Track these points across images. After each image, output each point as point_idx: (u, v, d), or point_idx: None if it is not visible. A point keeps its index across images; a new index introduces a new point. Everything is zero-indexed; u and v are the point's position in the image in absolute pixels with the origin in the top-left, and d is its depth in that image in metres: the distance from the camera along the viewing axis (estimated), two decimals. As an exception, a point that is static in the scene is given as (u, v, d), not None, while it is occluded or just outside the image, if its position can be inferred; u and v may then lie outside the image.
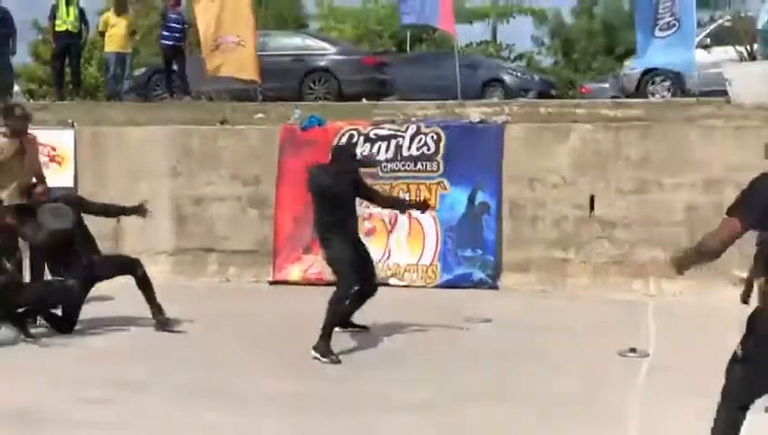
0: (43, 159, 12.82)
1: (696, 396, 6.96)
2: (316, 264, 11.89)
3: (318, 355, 8.08)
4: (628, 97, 17.37)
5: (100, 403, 6.89)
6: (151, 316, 9.37)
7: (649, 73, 17.70)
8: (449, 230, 11.82)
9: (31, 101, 21.92)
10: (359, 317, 9.14)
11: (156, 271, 12.26)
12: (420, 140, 12.06)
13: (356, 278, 8.55)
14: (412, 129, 12.13)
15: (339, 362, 8.06)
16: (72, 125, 13.28)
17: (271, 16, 37.72)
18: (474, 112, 12.59)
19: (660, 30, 13.25)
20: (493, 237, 11.71)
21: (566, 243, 11.59)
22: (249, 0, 15.43)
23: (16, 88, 23.63)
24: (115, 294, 10.36)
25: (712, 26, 18.53)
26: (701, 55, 16.57)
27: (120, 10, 17.76)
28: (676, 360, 8.16)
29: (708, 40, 17.53)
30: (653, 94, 17.35)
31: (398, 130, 12.17)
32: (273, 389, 7.28)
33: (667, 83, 17.57)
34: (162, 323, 9.33)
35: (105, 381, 7.50)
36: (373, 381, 7.55)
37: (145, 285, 9.42)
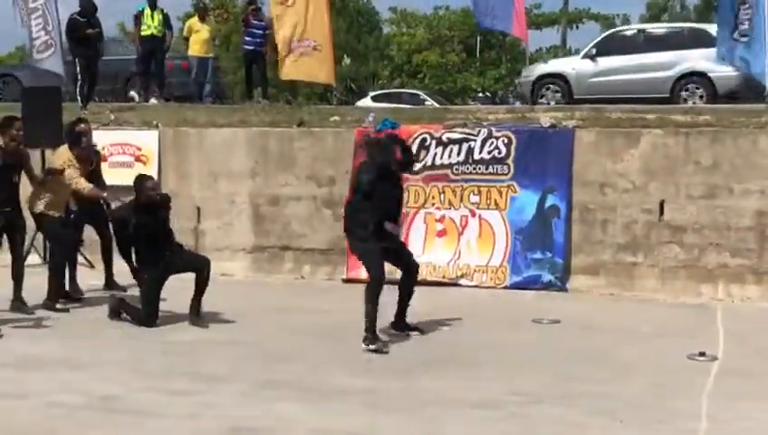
0: (128, 158, 13.14)
1: (765, 399, 6.88)
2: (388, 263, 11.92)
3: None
4: (525, 103, 17.74)
5: (180, 394, 6.98)
6: (189, 310, 9.52)
7: (541, 81, 18.29)
8: (519, 232, 11.75)
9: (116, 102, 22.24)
10: (425, 316, 9.13)
11: (235, 267, 12.53)
12: (491, 143, 12.01)
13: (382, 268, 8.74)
14: (484, 132, 12.08)
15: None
16: (157, 126, 13.46)
17: (344, 21, 37.93)
18: (544, 117, 12.51)
19: (741, 34, 13.07)
20: (562, 240, 11.62)
21: (635, 247, 11.45)
22: (326, 6, 15.50)
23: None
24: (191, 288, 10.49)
25: (599, 37, 19.28)
26: (586, 64, 17.91)
27: (203, 16, 18.01)
28: (744, 364, 8.03)
29: (594, 50, 18.30)
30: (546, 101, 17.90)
31: (470, 134, 12.13)
32: (344, 384, 7.32)
33: (558, 91, 18.07)
34: (194, 321, 9.48)
35: (186, 373, 7.60)
36: (441, 378, 7.53)
37: (203, 285, 9.57)
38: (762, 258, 11.05)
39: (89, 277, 11.15)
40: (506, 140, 11.95)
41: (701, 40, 17.41)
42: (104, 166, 11.74)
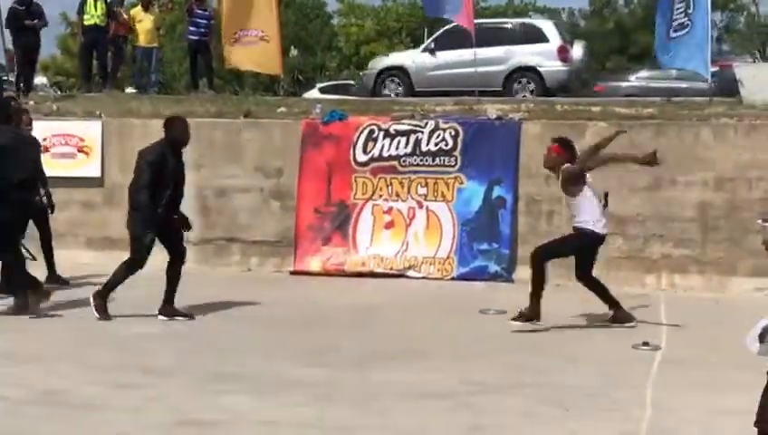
0: (71, 149, 12.97)
1: (707, 388, 7.01)
2: (336, 255, 11.93)
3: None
4: (371, 96, 18.19)
5: (126, 388, 6.92)
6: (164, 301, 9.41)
7: (384, 74, 18.93)
8: (466, 224, 11.83)
9: (59, 92, 21.97)
10: (373, 308, 9.14)
11: (181, 259, 12.38)
12: (439, 135, 12.06)
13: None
14: (431, 124, 12.14)
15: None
16: (100, 116, 13.32)
17: (293, 13, 37.78)
18: (491, 109, 12.58)
19: (674, 30, 13.21)
20: (508, 231, 11.71)
21: (580, 238, 11.55)
22: (275, -2, 15.45)
23: (44, 80, 23.65)
24: (140, 282, 10.40)
25: (437, 32, 19.87)
26: (426, 58, 18.74)
27: (147, 6, 17.83)
28: (687, 353, 8.16)
29: (433, 44, 19.10)
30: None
31: (418, 126, 12.17)
32: (294, 375, 7.31)
33: (397, 83, 18.63)
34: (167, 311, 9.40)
35: (132, 366, 7.53)
36: (391, 369, 7.55)
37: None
38: (704, 249, 11.23)
39: (31, 270, 11.00)
40: (453, 132, 12.01)
41: (532, 36, 18.40)
42: (46, 157, 11.59)
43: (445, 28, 19.20)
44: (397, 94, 18.02)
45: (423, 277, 11.66)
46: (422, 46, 19.88)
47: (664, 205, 11.35)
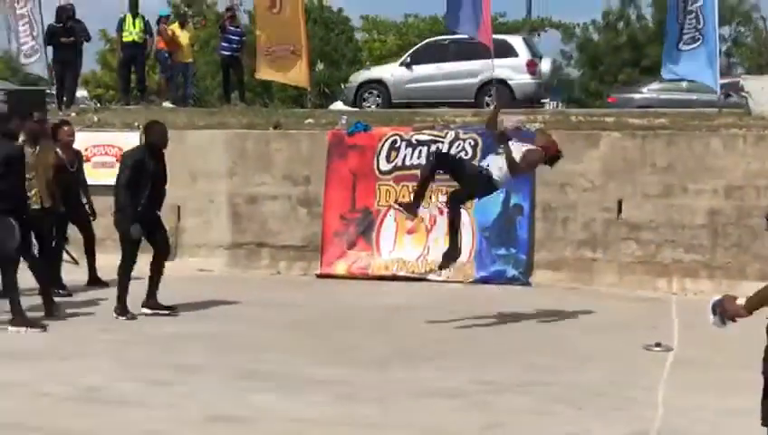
0: (110, 159, 13.02)
1: (717, 388, 6.94)
2: (360, 259, 11.92)
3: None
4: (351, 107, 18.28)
5: (160, 385, 6.94)
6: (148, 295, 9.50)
7: (364, 87, 19.05)
8: (484, 230, 11.78)
9: (98, 105, 22.10)
10: (396, 310, 9.12)
11: (213, 263, 12.49)
12: (459, 145, 12.02)
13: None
14: (451, 134, 12.10)
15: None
16: (137, 128, 13.35)
17: (319, 28, 37.83)
18: (509, 120, 12.52)
19: (685, 43, 13.12)
20: (525, 237, 11.66)
21: (595, 243, 11.52)
22: (302, 12, 15.49)
23: (84, 93, 23.72)
24: (179, 284, 10.43)
25: (415, 47, 20.47)
26: (403, 71, 18.89)
27: (183, 23, 17.94)
28: (698, 354, 8.08)
29: (409, 59, 19.30)
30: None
31: (438, 136, 12.15)
32: (319, 375, 7.29)
33: (376, 95, 18.76)
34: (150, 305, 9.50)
35: (165, 364, 7.55)
36: (412, 369, 7.52)
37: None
38: (714, 254, 11.15)
39: (73, 273, 11.07)
40: (473, 142, 11.97)
41: (502, 51, 18.02)
42: (87, 166, 11.67)
43: (421, 43, 19.45)
44: (377, 105, 18.20)
45: (443, 281, 11.62)
46: (399, 60, 20.07)
47: (675, 212, 11.28)
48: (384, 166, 12.19)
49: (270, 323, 9.19)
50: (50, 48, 15.99)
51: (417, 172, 11.99)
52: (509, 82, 17.77)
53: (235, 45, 17.38)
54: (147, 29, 17.31)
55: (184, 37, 17.56)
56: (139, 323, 9.12)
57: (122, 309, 9.26)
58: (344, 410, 6.41)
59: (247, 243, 12.63)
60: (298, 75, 15.50)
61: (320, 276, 11.97)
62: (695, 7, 12.95)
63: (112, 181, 12.66)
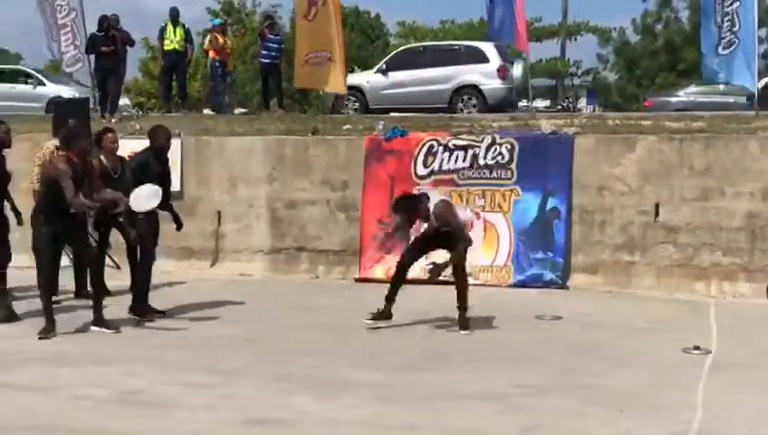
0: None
1: (757, 391, 6.86)
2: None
3: None
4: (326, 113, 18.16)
5: (200, 387, 6.97)
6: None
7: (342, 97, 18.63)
8: (522, 234, 11.73)
9: (140, 113, 22.28)
10: (432, 313, 9.11)
11: (253, 268, 12.56)
12: (495, 149, 11.99)
13: None
14: (488, 139, 12.07)
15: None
16: (179, 135, 13.45)
17: (357, 35, 37.93)
18: (546, 124, 12.48)
19: (723, 48, 12.97)
20: (563, 241, 11.59)
21: (632, 247, 11.43)
22: (339, 19, 15.53)
23: (126, 101, 23.91)
24: (219, 288, 10.51)
25: (390, 55, 20.79)
26: (379, 78, 19.29)
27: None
28: (737, 357, 8.00)
29: (385, 66, 19.68)
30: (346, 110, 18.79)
31: (475, 141, 12.11)
32: (355, 377, 7.29)
33: (354, 101, 18.99)
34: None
35: (205, 367, 7.59)
36: (447, 372, 7.50)
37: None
38: (752, 257, 11.01)
39: (114, 278, 11.15)
40: (510, 147, 11.93)
41: (475, 57, 19.10)
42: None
43: (396, 50, 19.62)
44: (355, 110, 18.46)
45: (481, 284, 11.56)
46: (375, 68, 20.32)
47: (713, 215, 11.16)
48: (421, 171, 12.18)
49: (308, 327, 9.21)
50: (93, 56, 16.18)
51: (454, 177, 12.02)
52: (481, 87, 18.34)
53: (273, 53, 17.46)
54: (188, 37, 17.46)
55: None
56: (180, 328, 9.17)
57: (146, 311, 9.49)
58: (380, 413, 6.40)
59: (287, 248, 12.67)
60: (335, 82, 15.53)
61: (358, 280, 11.98)
62: (731, 9, 12.81)
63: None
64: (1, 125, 9.77)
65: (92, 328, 8.88)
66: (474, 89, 18.47)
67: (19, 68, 26.56)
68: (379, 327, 9.02)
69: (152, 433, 5.96)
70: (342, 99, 18.30)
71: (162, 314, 9.63)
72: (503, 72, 18.74)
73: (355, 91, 19.04)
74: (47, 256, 8.85)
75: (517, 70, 19.64)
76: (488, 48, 19.30)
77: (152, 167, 9.52)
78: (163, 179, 9.56)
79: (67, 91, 20.28)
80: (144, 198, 9.06)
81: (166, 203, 9.65)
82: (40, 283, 8.88)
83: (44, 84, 21.52)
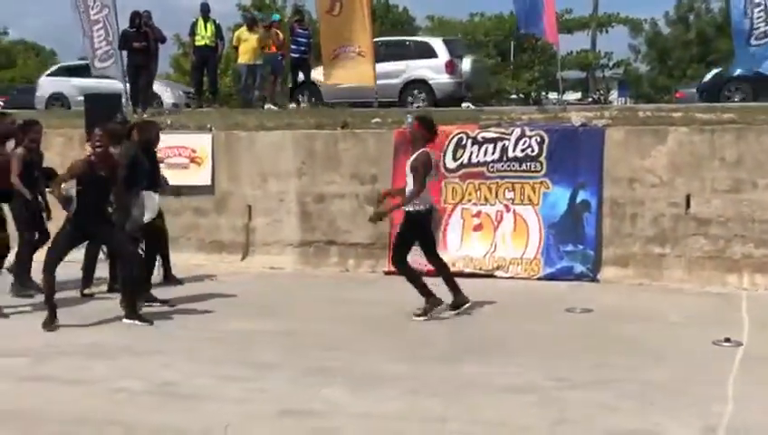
0: (184, 160, 13.21)
1: (790, 385, 6.81)
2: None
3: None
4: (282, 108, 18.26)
5: (233, 380, 7.02)
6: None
7: (298, 89, 19.12)
8: (551, 226, 11.70)
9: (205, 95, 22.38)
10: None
11: (284, 261, 12.62)
12: (525, 142, 11.96)
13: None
14: (517, 132, 12.04)
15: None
16: (210, 129, 13.55)
17: (387, 29, 37.88)
18: (575, 116, 12.43)
19: (756, 39, 12.85)
20: (593, 233, 11.56)
21: (663, 239, 11.37)
22: (369, 14, 15.53)
23: (182, 91, 23.74)
24: (251, 281, 10.56)
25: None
26: None
27: (252, 26, 18.12)
28: (769, 350, 7.94)
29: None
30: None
31: (504, 133, 12.10)
32: (387, 370, 7.32)
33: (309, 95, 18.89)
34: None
35: (237, 360, 7.65)
36: (479, 365, 7.50)
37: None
38: (785, 249, 10.92)
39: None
40: (539, 139, 11.90)
41: (424, 52, 19.57)
42: (161, 167, 11.83)
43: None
44: (311, 105, 18.46)
45: (510, 277, 11.58)
46: None
47: (745, 206, 11.08)
48: (450, 164, 12.18)
49: (339, 320, 9.25)
50: (125, 52, 16.28)
51: (484, 169, 12.01)
52: (429, 81, 18.77)
53: (303, 48, 17.53)
54: (218, 33, 17.54)
55: (252, 40, 17.71)
56: (213, 321, 9.25)
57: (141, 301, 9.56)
58: (413, 405, 6.42)
59: (316, 241, 12.73)
60: (364, 75, 15.55)
61: (387, 273, 11.98)
62: (763, 1, 12.69)
63: (186, 182, 12.98)
64: (36, 125, 9.95)
65: (125, 320, 8.96)
66: (422, 83, 18.93)
67: None
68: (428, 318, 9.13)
69: (186, 425, 6.01)
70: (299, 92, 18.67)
71: (165, 302, 9.80)
72: (450, 68, 19.16)
73: (311, 85, 19.29)
74: (59, 251, 8.95)
75: (466, 65, 19.97)
76: (437, 43, 19.85)
77: (142, 162, 9.64)
78: (153, 175, 9.80)
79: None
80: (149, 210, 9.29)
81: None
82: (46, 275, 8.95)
83: None
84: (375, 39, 17.63)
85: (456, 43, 22.30)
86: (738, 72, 14.15)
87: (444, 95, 18.59)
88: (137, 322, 8.94)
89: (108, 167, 8.87)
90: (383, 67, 17.24)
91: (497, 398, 6.57)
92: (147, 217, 9.63)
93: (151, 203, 9.70)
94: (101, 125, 9.32)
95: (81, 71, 20.35)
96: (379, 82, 15.73)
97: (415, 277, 9.31)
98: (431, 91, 18.73)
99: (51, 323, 8.75)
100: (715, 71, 19.45)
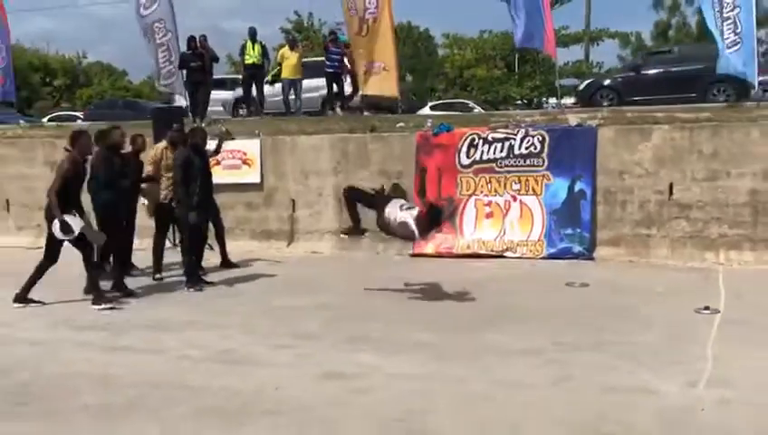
0: (237, 161, 13.24)
1: (760, 345, 6.77)
2: (447, 240, 11.90)
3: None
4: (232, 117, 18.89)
5: (283, 348, 7.06)
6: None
7: (240, 101, 19.58)
8: (553, 213, 11.64)
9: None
10: (477, 283, 9.09)
11: (323, 247, 12.63)
12: (528, 141, 11.89)
13: None
14: (522, 132, 11.97)
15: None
16: (258, 135, 13.58)
17: (408, 47, 37.81)
18: (572, 118, 12.35)
19: (727, 47, 12.70)
20: (588, 218, 11.48)
21: (649, 222, 11.28)
22: (392, 34, 15.49)
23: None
24: (295, 264, 10.56)
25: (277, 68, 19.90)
26: (268, 89, 18.56)
27: (293, 46, 18.12)
28: (742, 315, 7.88)
29: (271, 78, 19.00)
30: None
31: (511, 134, 12.03)
32: (414, 338, 7.32)
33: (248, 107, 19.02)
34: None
35: (286, 331, 7.68)
36: (493, 332, 7.49)
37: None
38: (755, 229, 10.82)
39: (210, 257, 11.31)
40: (541, 138, 11.83)
41: None
42: (218, 169, 11.90)
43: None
44: (249, 114, 18.64)
45: (518, 257, 11.53)
46: (264, 79, 19.58)
47: (720, 193, 10.96)
48: (464, 161, 12.14)
49: (372, 296, 9.25)
50: (184, 71, 16.35)
51: (494, 165, 11.96)
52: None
53: (336, 63, 17.48)
54: (264, 52, 17.54)
55: (293, 58, 17.71)
56: (264, 298, 9.27)
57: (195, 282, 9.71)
58: (437, 368, 6.43)
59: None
60: (390, 88, 15.52)
61: (413, 256, 11.98)
62: (731, 15, 12.54)
63: (239, 180, 13.03)
64: (116, 130, 9.72)
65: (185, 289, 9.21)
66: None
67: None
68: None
69: (242, 387, 6.05)
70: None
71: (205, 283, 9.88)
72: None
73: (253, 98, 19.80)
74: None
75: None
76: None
77: (195, 162, 9.66)
78: (204, 173, 9.81)
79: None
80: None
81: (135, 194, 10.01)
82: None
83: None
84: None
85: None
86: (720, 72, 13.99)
87: (355, 105, 18.27)
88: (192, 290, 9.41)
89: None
90: (306, 83, 17.70)
91: (509, 361, 6.56)
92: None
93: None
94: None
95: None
96: (304, 95, 16.23)
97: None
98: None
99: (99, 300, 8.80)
100: (588, 81, 19.69)
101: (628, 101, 16.42)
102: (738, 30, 12.57)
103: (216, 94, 19.20)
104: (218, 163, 12.37)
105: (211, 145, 10.51)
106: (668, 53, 18.97)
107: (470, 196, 12.05)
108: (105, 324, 8.03)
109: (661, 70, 17.25)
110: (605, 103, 17.11)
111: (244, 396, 5.83)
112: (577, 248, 11.42)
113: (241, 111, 19.73)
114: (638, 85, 17.11)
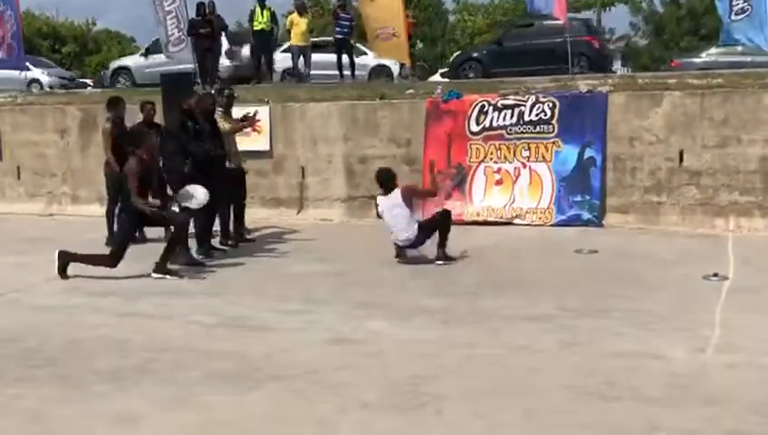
0: (247, 129, 13.19)
1: (767, 309, 6.76)
2: (456, 207, 11.88)
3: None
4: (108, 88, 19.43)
5: (293, 314, 7.11)
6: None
7: (117, 72, 21.29)
8: (562, 180, 11.61)
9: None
10: (487, 249, 9.09)
11: (332, 214, 12.65)
12: (539, 107, 11.84)
13: None
14: (532, 99, 11.91)
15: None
16: (268, 102, 13.54)
17: (418, 12, 37.55)
18: (582, 84, 12.28)
19: (735, 14, 12.56)
20: (598, 185, 11.45)
21: (659, 189, 11.24)
22: (402, 1, 15.42)
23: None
24: (305, 231, 10.58)
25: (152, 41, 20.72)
26: (141, 60, 20.73)
27: (302, 12, 18.01)
28: (751, 282, 7.88)
29: (145, 51, 21.08)
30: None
31: (521, 100, 11.97)
32: (422, 304, 7.35)
33: (125, 78, 20.72)
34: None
35: (297, 297, 7.72)
36: (501, 298, 7.52)
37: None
38: (766, 196, 10.78)
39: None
40: (551, 105, 11.77)
41: None
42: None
43: (154, 39, 19.59)
44: (127, 86, 19.19)
45: (527, 224, 11.53)
46: (139, 52, 21.36)
47: (731, 160, 10.91)
48: (474, 128, 12.10)
49: (380, 263, 9.27)
50: (192, 38, 16.29)
51: (503, 132, 11.92)
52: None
53: (345, 30, 17.38)
54: (273, 19, 17.45)
55: (302, 24, 17.61)
56: (275, 265, 9.32)
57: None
58: (444, 333, 6.46)
59: (360, 196, 12.71)
60: (400, 52, 15.46)
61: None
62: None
63: (249, 148, 13.01)
64: (148, 104, 10.00)
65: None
66: None
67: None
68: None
69: (250, 351, 6.09)
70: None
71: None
72: (230, 54, 19.23)
73: (125, 69, 20.98)
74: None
75: (246, 51, 19.57)
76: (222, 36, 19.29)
77: (205, 128, 9.70)
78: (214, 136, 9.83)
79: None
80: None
81: None
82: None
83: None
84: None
85: (240, 34, 21.76)
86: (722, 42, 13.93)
87: (227, 76, 18.24)
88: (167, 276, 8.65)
89: None
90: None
91: (517, 326, 6.59)
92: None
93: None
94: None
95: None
96: (172, 66, 16.07)
97: None
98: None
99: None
100: (457, 53, 20.13)
101: (492, 72, 17.28)
102: None
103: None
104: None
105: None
106: (530, 26, 19.55)
107: (480, 163, 12.03)
108: (120, 290, 8.10)
109: (522, 43, 18.22)
110: (470, 75, 17.99)
111: (255, 361, 5.87)
112: (586, 215, 11.41)
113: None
114: (501, 58, 18.14)
